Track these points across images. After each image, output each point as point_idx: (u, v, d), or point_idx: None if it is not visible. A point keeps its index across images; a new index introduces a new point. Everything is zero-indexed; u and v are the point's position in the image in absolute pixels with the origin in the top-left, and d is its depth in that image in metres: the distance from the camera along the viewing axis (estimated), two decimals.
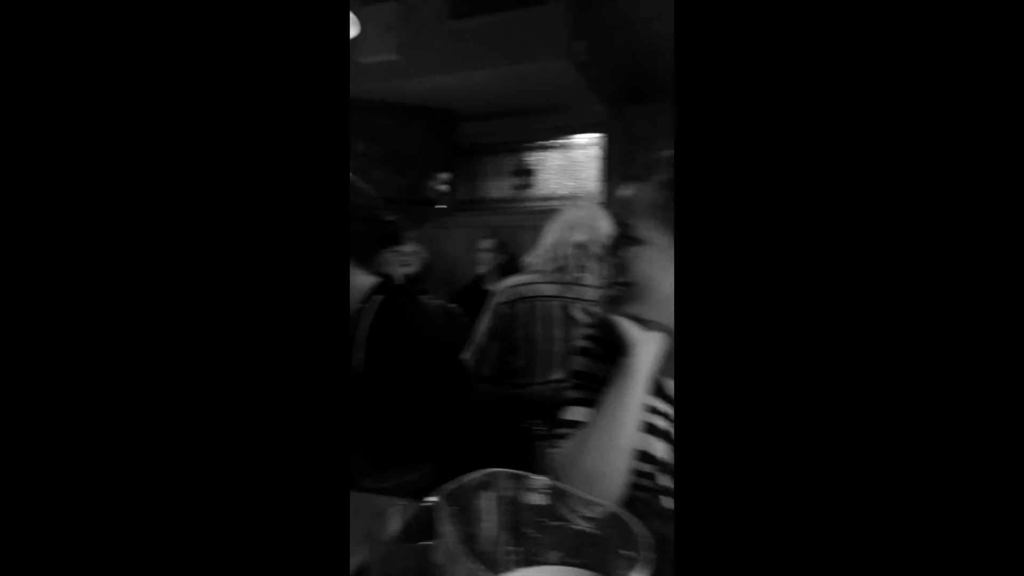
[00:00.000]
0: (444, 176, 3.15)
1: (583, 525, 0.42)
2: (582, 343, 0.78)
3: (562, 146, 3.21)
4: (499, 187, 3.32)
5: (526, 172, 3.26)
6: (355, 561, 0.62)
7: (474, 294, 2.67)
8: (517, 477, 0.42)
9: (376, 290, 1.05)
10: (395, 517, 0.50)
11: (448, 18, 2.59)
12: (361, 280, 1.07)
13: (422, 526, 0.48)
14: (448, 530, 0.37)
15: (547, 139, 3.22)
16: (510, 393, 1.41)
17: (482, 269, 2.79)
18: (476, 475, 0.41)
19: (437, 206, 3.12)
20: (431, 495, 0.39)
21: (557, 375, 1.39)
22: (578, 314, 1.40)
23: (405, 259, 2.05)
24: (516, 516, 0.41)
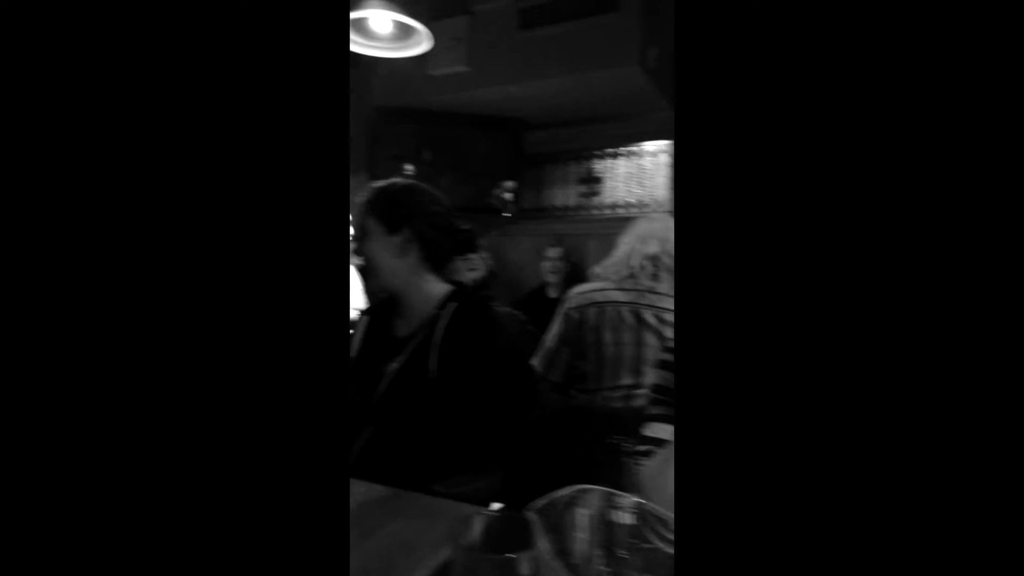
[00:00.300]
0: (509, 184, 3.18)
1: (669, 548, 0.40)
2: (665, 356, 0.76)
3: (630, 153, 3.16)
4: (565, 195, 3.31)
5: (593, 180, 3.23)
6: (434, 564, 0.62)
7: (538, 302, 2.67)
8: (608, 495, 0.41)
9: (450, 297, 1.07)
10: (477, 524, 0.50)
11: (518, 29, 2.62)
12: (436, 287, 1.09)
13: (505, 536, 0.48)
14: (544, 545, 0.36)
15: (615, 146, 3.18)
16: (581, 401, 1.39)
17: (549, 278, 2.78)
18: (568, 491, 0.40)
19: (503, 214, 3.15)
20: (524, 507, 0.39)
21: (627, 380, 1.37)
22: (650, 319, 1.37)
23: (472, 266, 2.08)
24: (607, 534, 0.40)
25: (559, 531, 0.40)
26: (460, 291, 1.09)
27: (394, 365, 1.03)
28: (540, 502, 0.40)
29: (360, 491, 0.83)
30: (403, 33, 1.70)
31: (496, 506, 0.50)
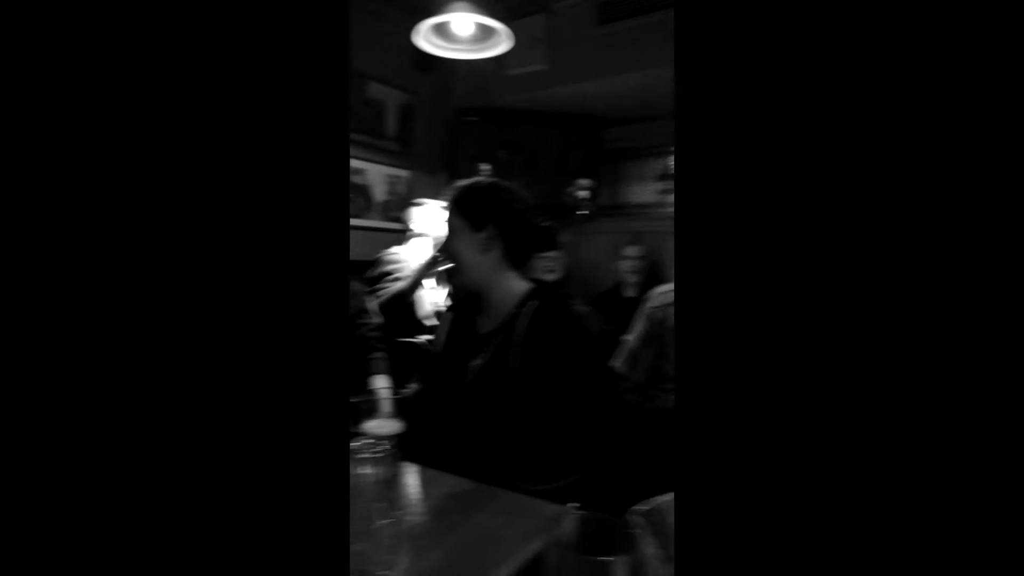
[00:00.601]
0: (584, 182, 3.14)
1: None
2: None
3: None
4: (643, 192, 3.23)
5: (672, 176, 3.13)
6: (521, 559, 0.63)
7: (613, 301, 2.62)
8: None
9: (530, 295, 1.07)
10: (572, 524, 0.49)
11: (597, 24, 2.58)
12: (517, 284, 1.09)
13: (601, 539, 0.47)
14: (649, 551, 0.35)
15: None
16: (663, 402, 1.35)
17: (628, 277, 2.72)
18: (669, 496, 0.39)
19: (578, 212, 3.12)
20: (629, 513, 0.38)
21: None
22: None
23: (549, 265, 2.07)
24: None
25: (662, 537, 0.38)
26: (541, 289, 1.09)
27: (477, 361, 1.04)
28: (642, 507, 0.38)
29: (446, 483, 0.85)
30: (484, 34, 1.72)
31: (572, 506, 0.49)
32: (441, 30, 1.70)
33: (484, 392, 1.02)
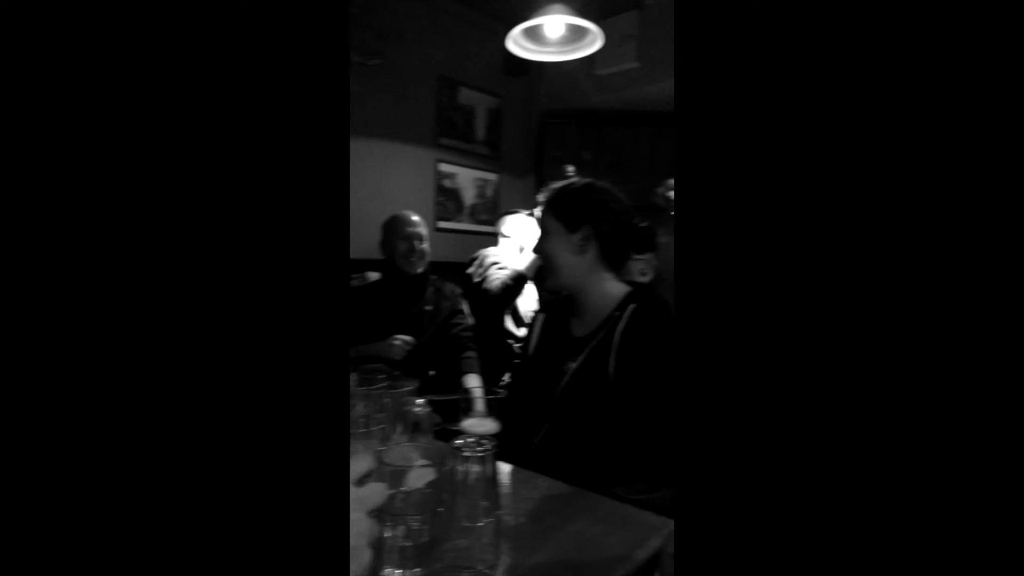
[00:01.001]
0: (673, 182, 3.04)
1: None
2: None
3: None
4: None
5: None
6: (628, 568, 0.61)
7: None
8: None
9: (628, 298, 1.04)
10: None
11: None
12: (614, 287, 1.07)
13: None
14: None
15: None
16: None
17: None
18: None
19: (670, 213, 3.02)
20: None
21: None
22: None
23: (642, 267, 2.02)
24: None
25: None
26: (639, 292, 1.06)
27: (572, 365, 1.03)
28: None
29: (542, 485, 0.84)
30: (575, 35, 1.71)
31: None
32: (532, 33, 1.71)
33: (579, 396, 1.01)
